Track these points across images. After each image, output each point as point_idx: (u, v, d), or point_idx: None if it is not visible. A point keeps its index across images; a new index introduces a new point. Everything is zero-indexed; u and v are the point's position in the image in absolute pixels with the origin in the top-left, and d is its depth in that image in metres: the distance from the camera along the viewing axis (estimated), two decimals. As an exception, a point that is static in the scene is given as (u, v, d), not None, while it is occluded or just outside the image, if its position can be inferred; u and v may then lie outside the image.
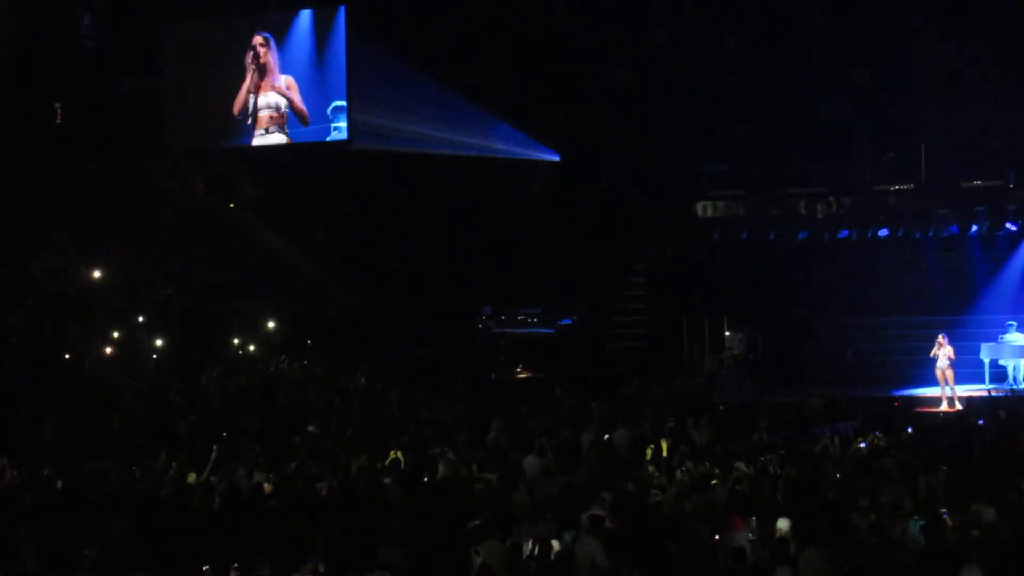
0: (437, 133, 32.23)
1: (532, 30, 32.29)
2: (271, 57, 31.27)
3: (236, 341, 29.79)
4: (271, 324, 31.46)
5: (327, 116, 30.84)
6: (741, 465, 16.99)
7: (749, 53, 31.62)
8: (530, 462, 18.47)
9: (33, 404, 23.32)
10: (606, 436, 20.44)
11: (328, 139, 30.86)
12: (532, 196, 34.32)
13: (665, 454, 18.64)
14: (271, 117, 31.25)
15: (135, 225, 32.40)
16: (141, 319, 29.65)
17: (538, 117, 32.65)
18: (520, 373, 32.25)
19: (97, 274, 30.47)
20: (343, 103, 30.70)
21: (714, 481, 16.31)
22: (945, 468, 16.43)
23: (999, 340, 27.90)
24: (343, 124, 30.66)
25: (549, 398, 26.56)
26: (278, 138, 31.21)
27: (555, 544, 13.52)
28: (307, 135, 31.01)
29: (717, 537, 13.64)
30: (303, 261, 34.82)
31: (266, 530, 14.92)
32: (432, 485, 17.64)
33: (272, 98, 31.23)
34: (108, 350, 27.23)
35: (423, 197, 33.33)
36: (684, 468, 17.06)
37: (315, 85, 31.17)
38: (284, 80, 31.21)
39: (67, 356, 26.73)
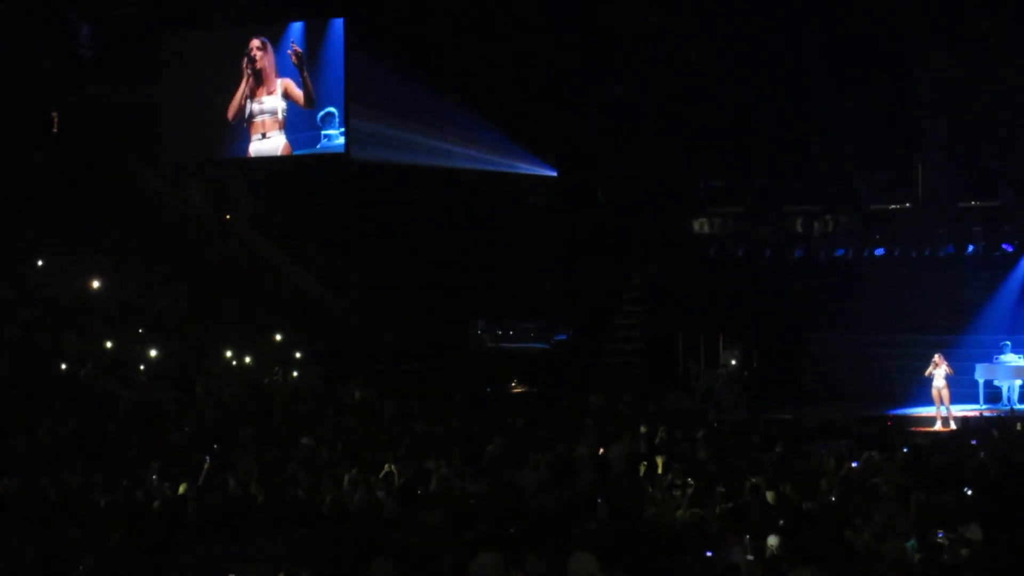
0: (434, 146, 32.32)
1: (530, 45, 32.35)
2: (267, 61, 31.38)
3: (229, 353, 29.67)
4: (266, 335, 31.37)
5: (318, 123, 30.96)
6: (735, 482, 16.95)
7: (746, 71, 31.73)
8: (525, 476, 18.44)
9: (27, 413, 23.26)
10: (600, 451, 20.43)
11: (320, 146, 31.01)
12: (529, 211, 34.36)
13: (660, 470, 18.61)
14: (267, 122, 31.32)
15: (131, 234, 32.40)
16: (136, 329, 29.58)
17: (536, 132, 32.73)
18: (515, 387, 32.18)
19: (93, 283, 30.44)
20: (333, 110, 30.83)
21: (708, 498, 16.28)
22: (938, 487, 16.42)
23: (994, 360, 27.88)
24: (334, 131, 30.81)
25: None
26: (275, 143, 31.26)
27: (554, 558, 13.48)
28: (302, 140, 31.15)
29: (709, 553, 13.61)
30: (299, 272, 34.79)
31: (258, 542, 14.87)
32: (426, 498, 17.60)
33: (269, 103, 31.30)
34: (103, 360, 27.14)
35: (420, 210, 33.36)
36: (678, 484, 17.02)
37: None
38: (282, 83, 31.30)
39: (62, 365, 26.66)
